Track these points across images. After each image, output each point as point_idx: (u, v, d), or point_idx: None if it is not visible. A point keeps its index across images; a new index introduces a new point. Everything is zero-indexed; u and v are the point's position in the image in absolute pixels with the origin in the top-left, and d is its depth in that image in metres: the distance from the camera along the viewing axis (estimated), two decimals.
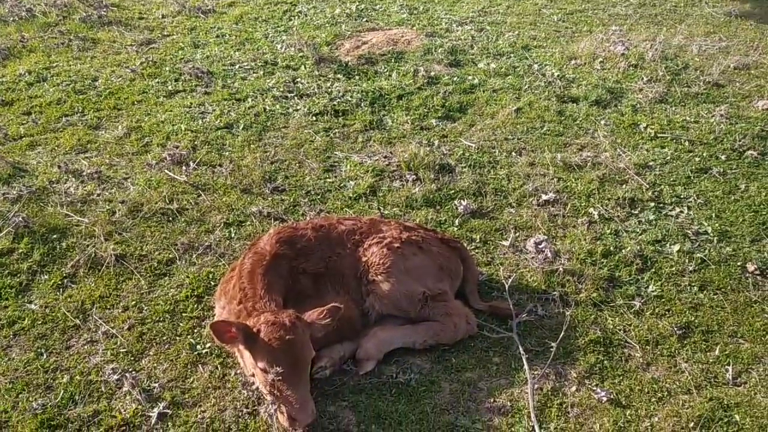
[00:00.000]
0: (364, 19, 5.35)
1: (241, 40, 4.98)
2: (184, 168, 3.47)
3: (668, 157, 3.58)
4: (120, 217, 3.14)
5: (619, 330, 2.56)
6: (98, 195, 3.30)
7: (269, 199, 3.30)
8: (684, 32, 4.99)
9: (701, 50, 4.78)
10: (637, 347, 2.47)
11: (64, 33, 4.88)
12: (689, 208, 3.20)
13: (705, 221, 3.11)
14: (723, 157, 3.57)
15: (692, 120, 3.92)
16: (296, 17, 5.42)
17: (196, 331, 2.57)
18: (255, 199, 3.29)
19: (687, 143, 3.69)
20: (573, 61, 4.67)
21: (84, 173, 3.42)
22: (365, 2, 5.68)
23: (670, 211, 3.20)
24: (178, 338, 2.54)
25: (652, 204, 3.23)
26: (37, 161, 3.56)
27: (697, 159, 3.56)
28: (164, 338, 2.54)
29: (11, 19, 4.99)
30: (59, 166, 3.44)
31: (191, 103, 4.12)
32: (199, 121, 3.95)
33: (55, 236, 3.02)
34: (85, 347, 2.50)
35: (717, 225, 3.08)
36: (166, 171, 3.46)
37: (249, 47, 4.87)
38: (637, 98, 4.17)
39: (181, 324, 2.60)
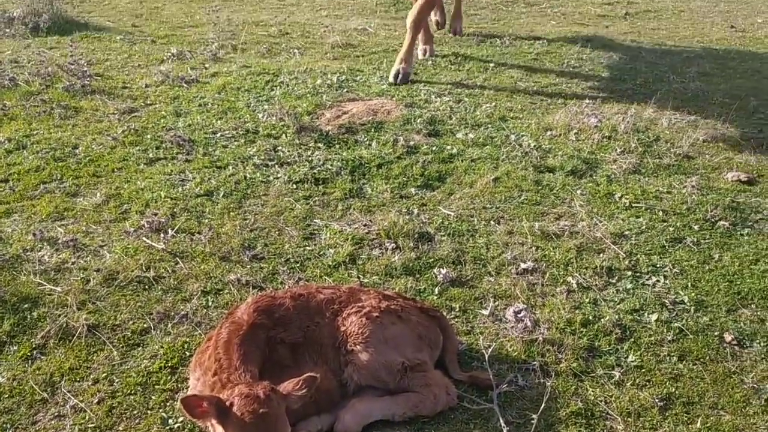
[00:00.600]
0: (345, 90, 5.47)
1: (223, 109, 5.05)
2: (162, 235, 3.45)
3: (643, 227, 3.65)
4: (94, 285, 3.09)
5: (601, 401, 2.53)
6: (73, 263, 3.25)
7: (248, 267, 3.28)
8: (654, 106, 5.16)
9: (671, 123, 4.94)
10: (619, 419, 2.44)
11: (47, 101, 4.92)
12: (665, 277, 3.24)
13: (681, 291, 3.14)
14: (696, 228, 3.64)
15: (665, 190, 4.01)
16: (278, 87, 5.52)
17: (168, 404, 2.49)
18: (233, 267, 3.26)
19: (661, 213, 3.76)
20: (549, 132, 4.80)
21: (59, 241, 3.38)
22: (346, 73, 5.82)
23: (647, 280, 3.23)
24: (149, 412, 2.46)
25: (629, 273, 3.26)
26: (12, 229, 3.51)
27: (671, 229, 3.63)
28: (135, 412, 2.46)
29: None
30: (34, 234, 3.40)
31: (172, 171, 4.14)
32: (179, 188, 3.95)
33: (26, 306, 2.95)
34: (53, 422, 2.41)
35: (693, 294, 3.11)
36: (143, 238, 3.43)
37: (231, 116, 4.93)
38: (611, 169, 4.27)
39: (153, 397, 2.52)
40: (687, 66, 6.34)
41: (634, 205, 3.86)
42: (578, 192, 4.01)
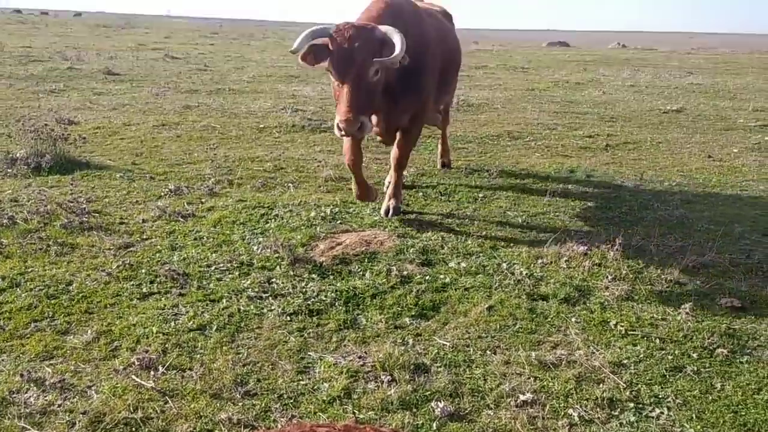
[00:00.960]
0: (339, 222, 5.58)
1: (218, 242, 5.12)
2: (152, 373, 3.37)
3: (641, 355, 3.61)
4: (79, 429, 2.97)
5: None
6: (59, 405, 3.14)
7: (240, 404, 3.18)
8: (641, 233, 5.29)
9: (659, 250, 5.03)
10: None
11: (44, 239, 4.97)
12: (669, 408, 3.16)
13: (687, 423, 3.05)
14: (695, 356, 3.60)
15: (660, 317, 4.02)
16: (273, 220, 5.64)
17: None
18: (225, 405, 3.17)
19: (658, 341, 3.74)
20: (539, 260, 4.86)
21: (47, 382, 3.29)
22: (339, 206, 5.97)
23: (651, 412, 3.15)
24: None
25: (632, 405, 3.19)
26: (0, 369, 3.43)
27: (669, 357, 3.59)
28: None
29: None
30: (22, 375, 3.32)
31: (165, 305, 4.12)
32: (172, 323, 3.92)
33: None
34: None
35: (699, 427, 3.02)
36: (132, 377, 3.35)
37: (226, 249, 4.99)
38: (604, 296, 4.29)
39: None
40: (670, 194, 6.55)
41: (630, 332, 3.84)
42: (573, 320, 4.01)
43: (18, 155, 6.78)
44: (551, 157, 8.31)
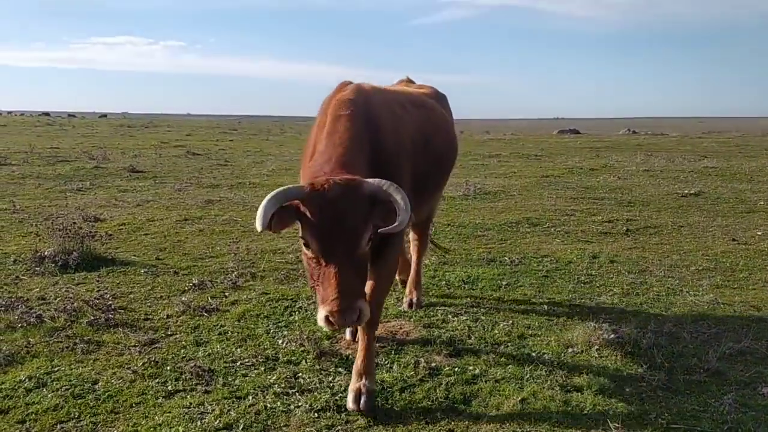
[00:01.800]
0: None
1: (243, 336, 5.08)
2: None
3: None
4: None
5: None
6: None
7: None
8: (672, 319, 5.18)
9: (693, 337, 4.91)
10: None
11: (71, 336, 4.97)
12: None
13: None
14: None
15: (701, 409, 3.87)
16: (297, 312, 5.61)
17: None
18: None
19: None
20: (570, 349, 4.75)
21: None
22: None
23: None
24: None
25: None
26: None
27: None
28: None
29: (19, 325, 5.11)
30: None
31: (190, 403, 4.04)
32: (198, 422, 3.83)
33: None
34: None
35: None
36: None
37: (251, 343, 4.95)
38: (641, 386, 4.16)
39: None
40: (698, 279, 6.46)
41: (672, 426, 3.69)
42: (611, 413, 3.86)
43: (46, 253, 6.88)
44: (572, 243, 8.29)
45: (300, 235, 3.41)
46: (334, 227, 3.26)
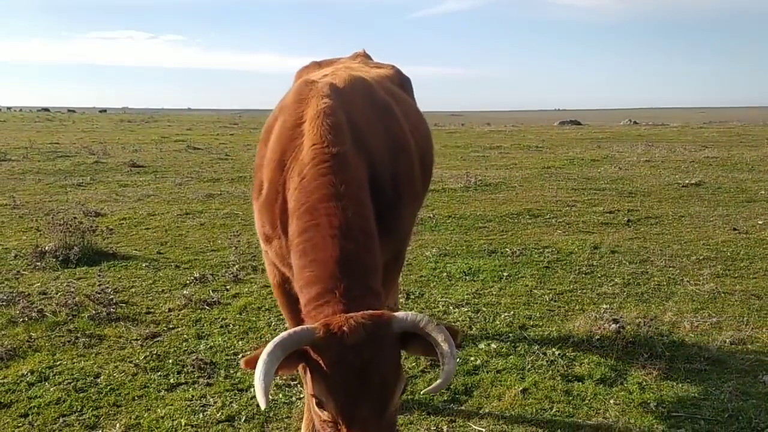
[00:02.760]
0: None
1: (244, 329, 5.09)
2: None
3: None
4: None
5: None
6: None
7: None
8: (673, 309, 5.18)
9: (694, 326, 4.92)
10: None
11: (72, 331, 4.99)
12: None
13: None
14: None
15: (702, 397, 3.87)
16: None
17: None
18: None
19: (703, 422, 3.59)
20: (571, 339, 4.76)
21: None
22: None
23: None
24: None
25: None
26: None
27: None
28: None
29: (21, 320, 5.13)
30: None
31: (192, 396, 4.06)
32: (200, 414, 3.85)
33: None
34: None
35: None
36: None
37: (252, 336, 4.96)
38: (641, 375, 4.17)
39: None
40: (699, 268, 6.46)
41: (672, 414, 3.70)
42: (611, 401, 3.87)
43: (47, 248, 6.89)
44: (573, 233, 8.29)
45: (310, 390, 2.44)
46: (359, 383, 2.33)
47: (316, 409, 2.39)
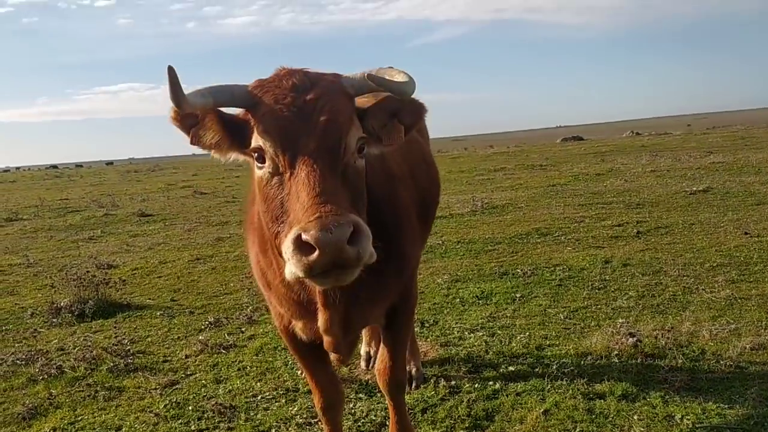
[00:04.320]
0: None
1: (262, 370, 5.09)
2: None
3: None
4: None
5: None
6: None
7: None
8: (690, 318, 5.15)
9: (713, 334, 4.88)
10: None
11: (91, 385, 5.00)
12: None
13: None
14: None
15: (726, 406, 3.83)
16: None
17: None
18: None
19: (729, 431, 3.55)
20: (589, 356, 4.73)
21: None
22: None
23: None
24: None
25: None
26: None
27: None
28: None
29: (41, 377, 5.15)
30: None
31: None
32: None
33: None
34: None
35: None
36: None
37: (270, 376, 4.96)
38: (663, 388, 4.13)
39: None
40: (713, 275, 6.42)
41: (697, 426, 3.65)
42: (635, 417, 3.83)
43: (62, 304, 6.95)
44: (583, 249, 8.27)
45: (246, 149, 2.31)
46: (301, 121, 2.14)
47: (256, 169, 2.26)
